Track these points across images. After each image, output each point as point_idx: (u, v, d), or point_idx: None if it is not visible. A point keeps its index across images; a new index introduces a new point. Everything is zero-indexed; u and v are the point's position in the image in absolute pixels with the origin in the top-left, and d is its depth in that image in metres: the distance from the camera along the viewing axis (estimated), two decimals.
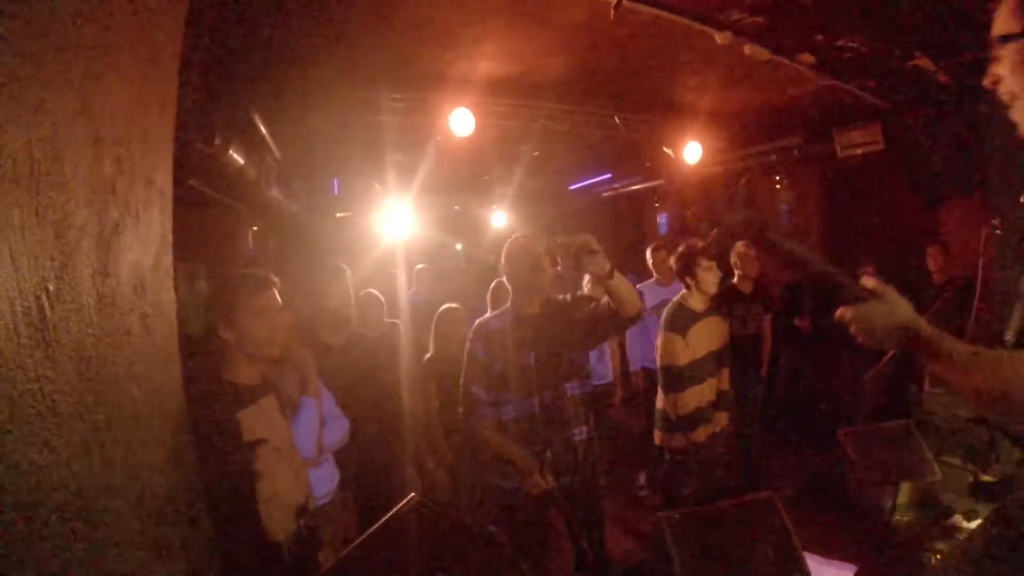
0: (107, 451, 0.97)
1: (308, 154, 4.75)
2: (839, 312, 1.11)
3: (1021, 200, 1.00)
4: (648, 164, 6.42)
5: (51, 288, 0.85)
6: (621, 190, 7.59)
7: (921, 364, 1.07)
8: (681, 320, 3.10)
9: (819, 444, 4.09)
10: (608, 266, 2.07)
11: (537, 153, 5.46)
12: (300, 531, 1.65)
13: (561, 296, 2.49)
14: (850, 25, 2.97)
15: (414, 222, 5.52)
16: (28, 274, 0.81)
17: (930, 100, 3.92)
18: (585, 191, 8.26)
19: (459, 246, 9.51)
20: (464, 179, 6.77)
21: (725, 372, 3.28)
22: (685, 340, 3.06)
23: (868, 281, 1.10)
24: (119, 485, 1.00)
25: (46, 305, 0.84)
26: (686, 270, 3.13)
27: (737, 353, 3.57)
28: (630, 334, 4.40)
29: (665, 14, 2.76)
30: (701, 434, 3.08)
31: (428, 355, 3.37)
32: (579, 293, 2.51)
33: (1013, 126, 1.04)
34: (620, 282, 2.14)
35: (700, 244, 3.17)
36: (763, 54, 3.13)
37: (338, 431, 2.27)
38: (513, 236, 2.43)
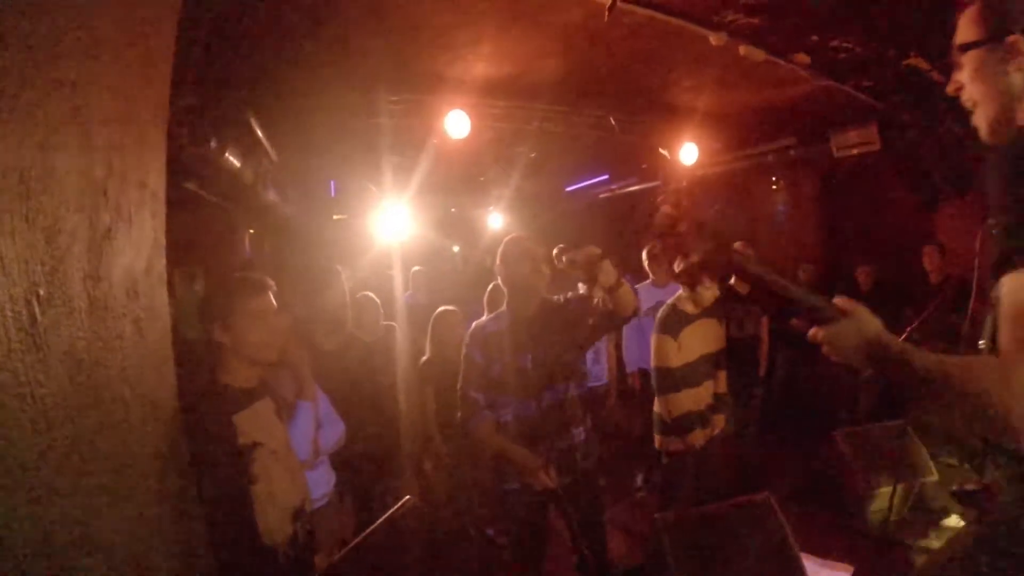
0: (99, 454, 0.97)
1: (304, 156, 4.75)
2: (811, 333, 1.11)
3: (989, 222, 1.00)
4: (644, 166, 6.41)
5: (42, 293, 0.85)
6: (618, 192, 7.59)
7: (894, 385, 1.06)
8: (673, 322, 3.09)
9: (816, 445, 4.09)
10: (617, 274, 2.10)
11: (533, 155, 5.45)
12: (296, 533, 1.65)
13: (556, 297, 2.49)
14: (845, 25, 2.98)
15: (410, 224, 5.51)
16: (19, 279, 0.81)
17: (926, 100, 3.93)
18: (581, 193, 8.24)
19: (456, 248, 9.51)
20: (460, 181, 6.75)
21: (722, 375, 3.27)
22: (677, 342, 3.06)
23: (839, 300, 1.10)
24: (111, 488, 1.00)
25: (37, 310, 0.84)
26: (688, 280, 3.12)
27: (734, 355, 3.56)
28: (626, 336, 4.42)
29: (660, 15, 2.76)
30: (698, 437, 3.07)
31: (424, 358, 3.36)
32: (572, 294, 2.51)
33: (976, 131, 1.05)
34: (624, 287, 2.16)
35: (696, 259, 3.15)
36: (758, 55, 3.13)
37: (334, 434, 2.27)
38: (507, 238, 2.43)
